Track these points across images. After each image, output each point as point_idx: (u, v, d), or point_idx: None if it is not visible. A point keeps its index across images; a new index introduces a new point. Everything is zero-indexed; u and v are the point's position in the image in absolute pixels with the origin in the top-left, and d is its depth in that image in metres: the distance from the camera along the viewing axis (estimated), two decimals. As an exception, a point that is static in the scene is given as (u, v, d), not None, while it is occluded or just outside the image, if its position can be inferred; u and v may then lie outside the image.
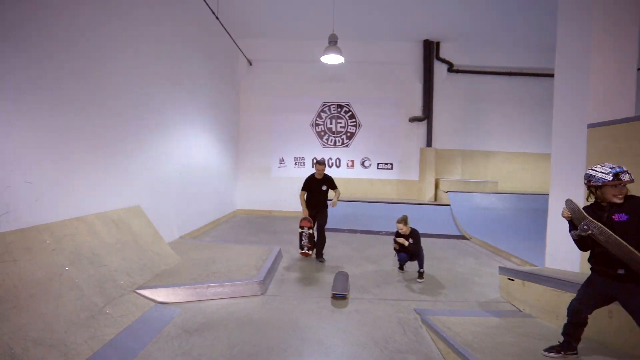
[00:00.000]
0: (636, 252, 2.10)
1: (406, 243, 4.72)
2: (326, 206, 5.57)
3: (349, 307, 3.80)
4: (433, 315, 3.42)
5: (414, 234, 4.79)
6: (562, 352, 2.48)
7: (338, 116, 10.50)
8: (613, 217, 2.24)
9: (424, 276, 4.80)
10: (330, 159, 10.47)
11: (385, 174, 10.51)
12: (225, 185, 9.24)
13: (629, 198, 2.25)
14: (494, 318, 3.43)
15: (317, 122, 10.51)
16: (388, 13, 8.42)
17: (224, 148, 9.01)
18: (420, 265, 4.77)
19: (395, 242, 4.84)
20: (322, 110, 10.51)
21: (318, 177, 5.46)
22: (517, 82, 10.42)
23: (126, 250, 4.02)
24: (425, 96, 10.04)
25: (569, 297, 2.95)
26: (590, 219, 2.26)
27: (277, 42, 10.03)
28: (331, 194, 5.58)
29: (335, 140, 10.53)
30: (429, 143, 10.15)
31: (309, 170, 10.23)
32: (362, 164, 10.53)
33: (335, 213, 6.82)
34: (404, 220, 4.78)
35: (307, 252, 5.63)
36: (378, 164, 10.52)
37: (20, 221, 2.99)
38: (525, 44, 9.73)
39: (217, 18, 7.12)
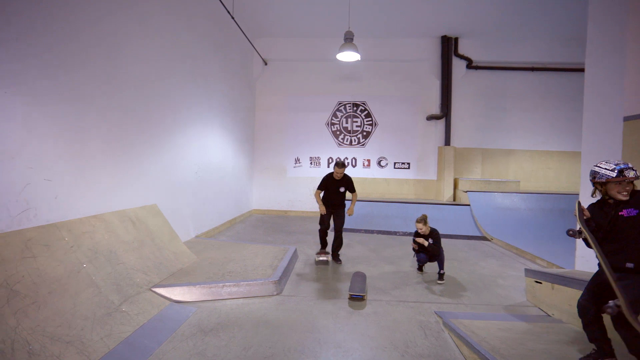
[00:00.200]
0: (604, 261, 2.15)
1: (426, 243, 4.56)
2: (344, 206, 5.39)
3: (366, 308, 3.68)
4: (455, 319, 3.26)
5: (434, 234, 4.62)
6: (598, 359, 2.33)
7: (354, 115, 10.38)
8: (622, 213, 2.20)
9: (445, 278, 4.62)
10: (346, 158, 10.35)
11: (402, 174, 10.31)
12: (241, 184, 9.26)
13: (636, 193, 2.22)
14: (522, 323, 3.24)
15: (332, 121, 10.41)
16: (404, 9, 8.25)
17: (240, 148, 9.03)
18: (441, 267, 4.60)
19: (415, 242, 4.68)
20: (338, 109, 10.40)
21: (337, 177, 5.25)
22: (539, 77, 10.04)
23: (143, 248, 4.03)
24: (443, 93, 9.79)
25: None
26: (581, 226, 2.27)
27: (293, 42, 10.00)
28: (348, 195, 5.42)
29: (351, 140, 10.40)
30: (447, 142, 9.89)
31: (324, 170, 10.15)
32: (379, 163, 10.36)
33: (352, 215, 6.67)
34: (423, 219, 4.62)
35: (324, 251, 5.40)
36: (395, 163, 10.33)
37: (39, 218, 3.02)
38: (549, 36, 9.36)
39: (232, 18, 7.13)
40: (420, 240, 4.60)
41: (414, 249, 4.80)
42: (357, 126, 10.39)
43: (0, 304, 2.32)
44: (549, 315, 3.51)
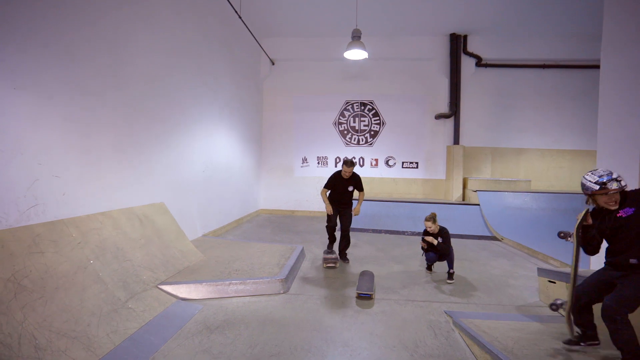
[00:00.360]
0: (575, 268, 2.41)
1: (435, 242, 4.47)
2: (351, 205, 5.29)
3: (374, 307, 3.62)
4: (466, 318, 3.17)
5: (444, 233, 4.53)
6: (583, 344, 2.47)
7: (361, 114, 10.31)
8: (619, 214, 2.26)
9: (454, 277, 4.53)
10: (354, 157, 10.27)
11: (410, 173, 10.20)
12: (248, 184, 9.26)
13: (627, 194, 2.28)
14: (535, 323, 3.14)
15: (340, 120, 10.36)
16: (412, 6, 8.17)
17: (247, 147, 9.03)
18: (450, 266, 4.51)
19: (424, 240, 4.60)
20: (345, 109, 10.35)
21: (345, 176, 5.09)
22: (551, 74, 9.83)
23: (150, 246, 4.03)
24: (452, 92, 9.66)
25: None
26: (567, 232, 2.51)
27: (300, 41, 9.97)
28: (355, 194, 5.31)
29: (358, 139, 10.34)
30: (456, 140, 9.75)
31: (332, 169, 10.08)
32: (387, 162, 10.27)
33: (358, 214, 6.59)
34: (432, 217, 4.54)
35: (332, 257, 5.10)
36: (403, 162, 10.23)
37: (47, 214, 3.03)
38: (561, 32, 9.15)
39: (239, 17, 7.14)
40: (430, 238, 4.51)
41: (422, 248, 4.72)
42: (364, 125, 10.32)
43: (7, 298, 2.32)
44: (563, 316, 3.40)
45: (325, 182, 5.27)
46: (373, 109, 10.28)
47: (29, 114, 2.91)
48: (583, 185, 2.34)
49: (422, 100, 10.09)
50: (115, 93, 3.96)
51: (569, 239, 2.48)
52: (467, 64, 9.72)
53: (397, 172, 10.24)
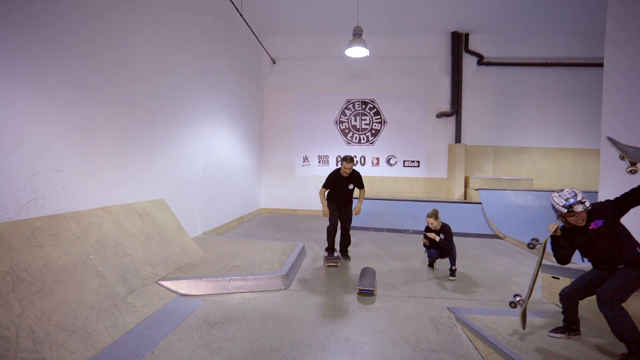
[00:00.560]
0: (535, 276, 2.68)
1: (437, 238, 4.44)
2: (351, 204, 5.16)
3: (376, 303, 3.59)
4: (469, 314, 3.14)
5: (446, 229, 4.50)
6: (566, 334, 2.62)
7: (363, 113, 10.29)
8: (591, 227, 2.42)
9: (457, 274, 4.49)
10: (355, 156, 10.23)
11: (411, 172, 10.17)
12: (249, 183, 9.24)
13: (594, 206, 2.43)
14: (538, 318, 3.10)
15: (341, 119, 10.34)
16: (414, 5, 8.16)
17: (248, 146, 9.02)
18: (453, 263, 4.47)
19: (426, 237, 4.57)
20: (346, 108, 10.33)
21: (345, 174, 4.86)
22: (553, 73, 9.79)
23: (150, 242, 4.01)
24: (453, 90, 9.63)
25: None
26: (536, 241, 2.63)
27: (301, 40, 9.96)
28: (356, 192, 5.15)
29: (359, 138, 10.31)
30: (457, 139, 9.72)
31: (333, 168, 10.03)
32: (388, 161, 10.24)
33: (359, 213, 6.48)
34: (434, 214, 4.50)
35: (333, 257, 4.99)
36: (404, 161, 10.20)
37: (47, 208, 3.01)
38: (563, 30, 9.13)
39: (241, 15, 7.13)
40: (432, 235, 4.48)
41: (424, 245, 4.68)
42: (365, 124, 10.29)
43: (5, 291, 2.30)
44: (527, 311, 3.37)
45: (324, 181, 5.05)
46: (374, 107, 10.26)
47: (29, 108, 2.89)
48: (553, 207, 2.51)
49: (423, 99, 10.06)
50: (115, 89, 3.95)
51: (535, 249, 2.65)
52: (468, 63, 9.69)
53: (398, 171, 10.21)
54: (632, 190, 2.29)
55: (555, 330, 2.69)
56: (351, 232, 5.33)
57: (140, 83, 4.42)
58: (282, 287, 3.90)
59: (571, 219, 2.44)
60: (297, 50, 10.05)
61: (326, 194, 5.08)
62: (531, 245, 2.64)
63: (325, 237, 5.10)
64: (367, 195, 9.14)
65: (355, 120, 10.31)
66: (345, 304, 3.56)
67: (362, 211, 6.20)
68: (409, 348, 2.69)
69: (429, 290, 4.02)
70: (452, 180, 9.67)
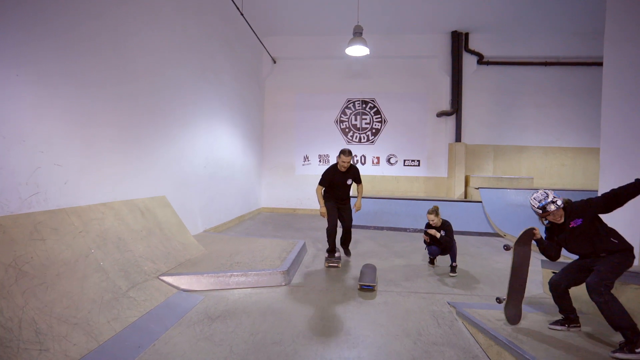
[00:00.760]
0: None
1: (438, 235, 4.45)
2: (349, 200, 5.00)
3: (377, 299, 3.59)
4: (470, 308, 3.15)
5: (446, 226, 4.51)
6: (566, 325, 2.65)
7: (363, 112, 10.30)
8: (571, 225, 2.55)
9: (457, 271, 4.50)
10: (356, 155, 10.26)
11: (412, 171, 10.18)
12: (250, 182, 9.26)
13: (573, 205, 2.58)
14: (539, 313, 3.11)
15: (341, 118, 10.36)
16: (414, 5, 8.19)
17: (249, 145, 9.03)
18: (453, 259, 4.48)
19: (426, 233, 4.57)
20: (347, 107, 10.35)
21: (342, 169, 4.62)
22: (553, 72, 9.81)
23: (151, 238, 4.02)
24: (453, 90, 9.64)
25: (628, 289, 2.65)
26: (507, 244, 2.93)
27: (301, 39, 9.99)
28: (353, 188, 5.04)
29: (360, 137, 10.33)
30: (458, 138, 9.73)
31: (333, 167, 10.06)
32: (388, 160, 10.26)
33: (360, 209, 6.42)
34: (435, 210, 4.51)
35: (334, 258, 4.80)
36: (404, 160, 10.21)
37: (49, 202, 3.02)
38: (563, 30, 9.16)
39: (242, 15, 7.16)
40: (432, 231, 4.48)
41: (425, 242, 4.68)
42: (366, 123, 10.31)
43: (8, 283, 2.31)
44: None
45: (320, 178, 4.75)
46: (374, 107, 10.27)
47: (32, 103, 2.91)
48: (531, 208, 2.69)
49: (423, 98, 10.08)
50: (117, 87, 3.97)
51: (510, 250, 2.87)
52: (468, 62, 9.71)
53: (398, 170, 10.22)
54: (619, 192, 2.39)
55: (556, 322, 2.71)
56: (352, 230, 5.18)
57: (141, 81, 4.44)
58: (283, 283, 3.90)
59: (549, 218, 2.62)
60: (298, 49, 10.08)
61: (323, 191, 4.85)
62: (506, 247, 2.94)
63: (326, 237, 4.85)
64: (367, 194, 9.19)
65: (356, 120, 10.33)
66: (346, 299, 3.56)
67: (363, 210, 6.19)
68: (410, 341, 2.69)
69: (430, 286, 4.03)
70: (453, 179, 9.68)
